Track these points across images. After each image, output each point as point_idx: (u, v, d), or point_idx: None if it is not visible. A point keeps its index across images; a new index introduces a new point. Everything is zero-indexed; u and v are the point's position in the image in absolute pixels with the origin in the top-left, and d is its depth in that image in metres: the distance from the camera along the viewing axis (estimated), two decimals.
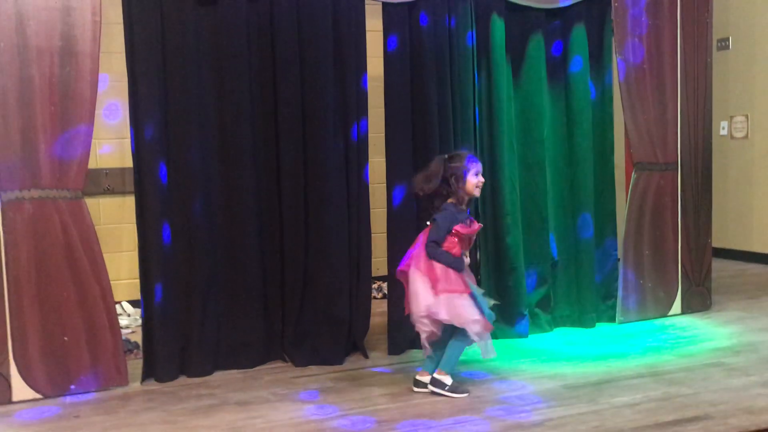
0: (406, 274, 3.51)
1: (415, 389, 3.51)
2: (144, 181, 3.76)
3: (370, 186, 4.21)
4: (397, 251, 3.90)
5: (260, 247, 4.01)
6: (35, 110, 3.47)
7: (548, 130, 4.53)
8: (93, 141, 3.68)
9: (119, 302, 5.10)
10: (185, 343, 3.88)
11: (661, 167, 4.74)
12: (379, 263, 4.50)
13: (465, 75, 4.26)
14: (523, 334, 4.40)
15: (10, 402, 3.48)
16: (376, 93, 4.24)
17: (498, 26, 4.32)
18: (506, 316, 4.39)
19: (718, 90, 5.68)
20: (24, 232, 3.48)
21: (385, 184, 4.20)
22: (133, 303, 5.27)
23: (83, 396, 3.58)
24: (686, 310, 4.86)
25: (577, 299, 4.62)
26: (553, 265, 4.59)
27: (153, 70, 3.73)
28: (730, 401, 3.25)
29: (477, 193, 3.54)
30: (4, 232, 3.45)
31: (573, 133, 4.57)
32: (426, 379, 3.50)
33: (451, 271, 3.42)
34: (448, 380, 3.46)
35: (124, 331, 4.45)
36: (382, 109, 4.16)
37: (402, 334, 4.12)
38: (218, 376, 3.87)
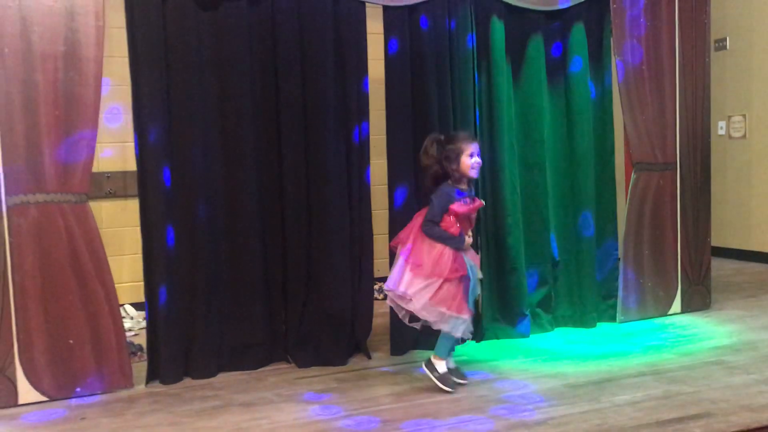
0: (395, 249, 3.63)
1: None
2: (148, 184, 3.78)
3: (371, 187, 4.24)
4: None
5: (263, 250, 4.04)
6: (39, 115, 3.49)
7: (548, 130, 4.56)
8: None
9: (122, 305, 5.12)
10: (189, 345, 3.91)
11: (660, 167, 4.77)
12: (380, 264, 4.53)
13: (465, 77, 4.29)
14: (525, 334, 4.43)
15: (16, 405, 3.50)
16: (377, 95, 4.26)
17: (498, 28, 4.35)
18: (508, 316, 4.43)
19: (716, 90, 5.72)
20: (29, 235, 3.50)
21: (386, 186, 4.23)
22: (136, 306, 5.30)
23: (88, 398, 3.60)
24: (686, 309, 4.90)
25: (579, 299, 4.64)
26: (554, 265, 4.62)
27: (156, 74, 3.76)
28: (731, 399, 3.27)
29: (473, 174, 3.55)
30: (10, 236, 3.47)
31: (573, 133, 4.60)
32: (448, 363, 3.61)
33: (447, 254, 3.46)
34: (441, 368, 3.54)
35: (127, 334, 4.45)
36: (383, 112, 4.19)
37: (404, 335, 4.14)
38: (222, 377, 3.89)
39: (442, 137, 3.62)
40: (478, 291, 3.73)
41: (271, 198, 4.06)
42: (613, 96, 4.76)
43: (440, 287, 3.45)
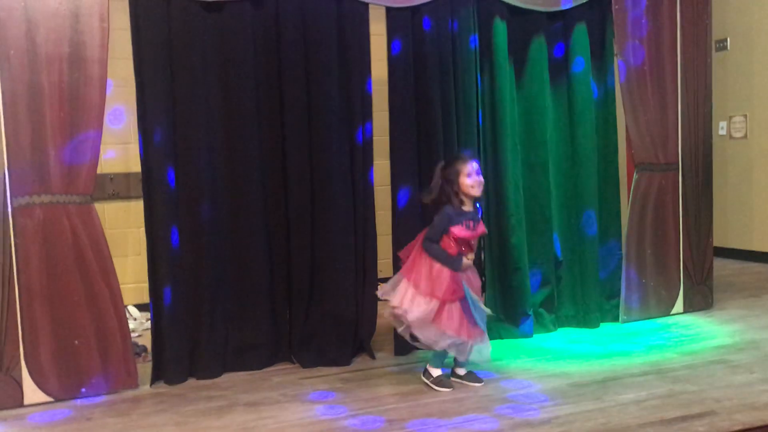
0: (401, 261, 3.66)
1: (453, 379, 3.66)
2: (153, 185, 3.80)
3: (374, 188, 4.25)
4: None
5: (267, 250, 4.05)
6: (45, 116, 3.50)
7: (551, 130, 4.58)
8: None
9: (125, 306, 5.12)
10: (194, 345, 3.92)
11: (662, 168, 4.79)
12: (382, 265, 4.53)
13: (468, 78, 4.30)
14: (528, 334, 4.44)
15: (21, 405, 3.51)
16: (380, 96, 4.28)
17: (500, 29, 4.36)
18: (511, 316, 4.45)
19: (717, 91, 5.73)
20: (34, 236, 3.51)
21: (389, 187, 4.24)
22: (139, 307, 5.31)
23: (94, 399, 3.61)
24: (688, 308, 4.91)
25: (582, 299, 4.66)
26: (557, 264, 4.63)
27: (160, 75, 3.77)
28: (734, 398, 3.29)
29: (474, 192, 3.54)
30: (15, 236, 3.48)
31: (575, 133, 4.62)
32: (459, 371, 3.67)
33: (444, 274, 3.47)
34: (434, 372, 3.60)
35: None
36: (387, 113, 4.20)
37: None
38: (227, 377, 3.90)
39: (443, 163, 3.63)
40: (486, 310, 3.68)
41: (275, 198, 4.08)
42: (616, 96, 4.77)
43: (441, 309, 3.47)
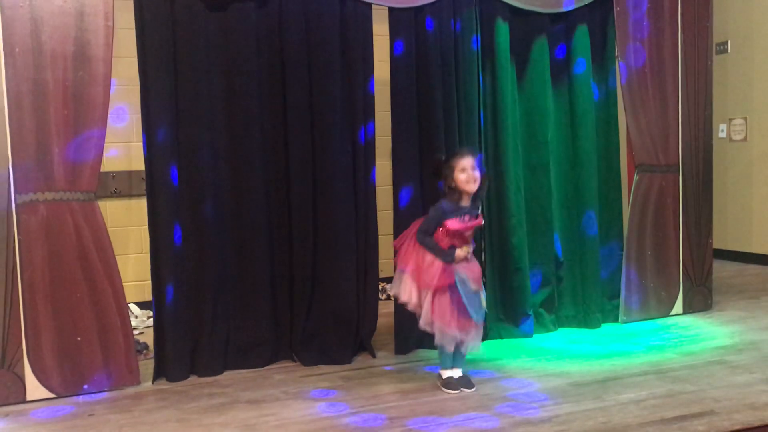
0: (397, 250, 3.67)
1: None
2: (156, 183, 3.81)
3: (376, 188, 4.27)
4: None
5: (269, 249, 4.07)
6: (49, 114, 3.52)
7: (552, 131, 4.59)
8: None
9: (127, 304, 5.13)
10: (195, 342, 3.94)
11: (662, 169, 4.81)
12: (383, 264, 4.55)
13: (470, 78, 4.32)
14: (528, 334, 4.45)
15: (24, 401, 3.52)
16: (382, 96, 4.30)
17: (502, 30, 4.38)
18: (511, 316, 4.47)
19: (717, 93, 5.75)
20: (38, 233, 3.53)
21: (390, 187, 4.26)
22: (141, 304, 5.32)
23: (96, 395, 3.63)
24: (688, 309, 4.93)
25: (582, 299, 4.68)
26: (557, 265, 4.65)
27: (164, 74, 3.79)
28: (734, 398, 3.30)
29: (469, 188, 3.50)
30: (19, 233, 3.50)
31: (576, 134, 4.64)
32: (456, 372, 3.65)
33: (435, 264, 3.49)
34: (444, 374, 3.61)
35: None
36: (389, 113, 4.22)
37: (408, 334, 4.17)
38: (228, 375, 3.92)
39: (443, 157, 3.65)
40: (483, 304, 3.62)
41: (278, 197, 4.10)
42: (618, 97, 4.79)
43: (434, 299, 3.47)
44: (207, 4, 3.85)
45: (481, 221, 3.66)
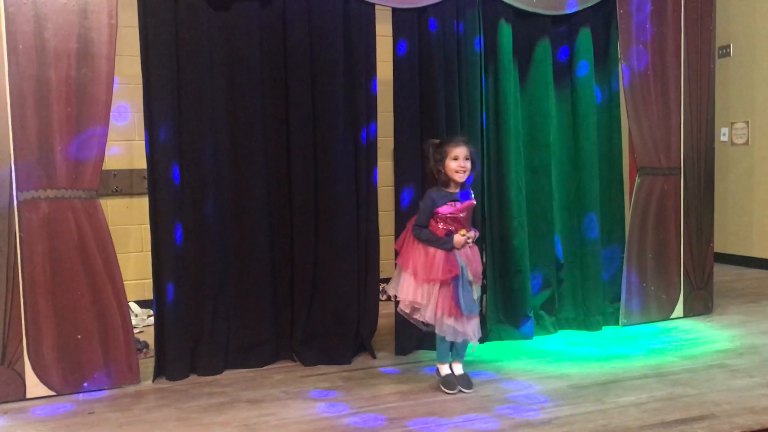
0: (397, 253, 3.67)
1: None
2: (157, 182, 3.81)
3: (378, 189, 4.27)
4: None
5: (270, 248, 4.07)
6: (52, 111, 3.52)
7: (554, 134, 4.59)
8: None
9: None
10: (196, 341, 3.93)
11: (664, 172, 4.81)
12: (384, 265, 4.55)
13: (473, 79, 4.32)
14: (528, 336, 4.45)
15: (24, 399, 3.52)
16: (385, 97, 4.29)
17: (505, 32, 4.38)
18: (511, 318, 4.46)
19: (719, 97, 5.75)
20: (39, 231, 3.53)
21: (392, 187, 4.26)
22: (141, 303, 5.32)
23: (96, 393, 3.62)
24: (688, 313, 4.93)
25: (583, 301, 4.68)
26: (558, 267, 4.65)
27: (167, 73, 3.79)
28: (734, 401, 3.30)
29: (458, 177, 3.51)
30: (20, 230, 3.50)
31: (579, 136, 4.64)
32: (456, 368, 3.65)
33: (438, 255, 3.48)
34: (442, 371, 3.60)
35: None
36: (391, 113, 4.22)
37: (409, 335, 4.17)
38: (228, 374, 3.92)
39: (437, 141, 3.64)
40: (478, 293, 3.63)
41: (279, 197, 4.09)
42: (621, 100, 4.79)
43: (440, 291, 3.47)
44: (210, 3, 3.85)
45: (473, 201, 3.64)
